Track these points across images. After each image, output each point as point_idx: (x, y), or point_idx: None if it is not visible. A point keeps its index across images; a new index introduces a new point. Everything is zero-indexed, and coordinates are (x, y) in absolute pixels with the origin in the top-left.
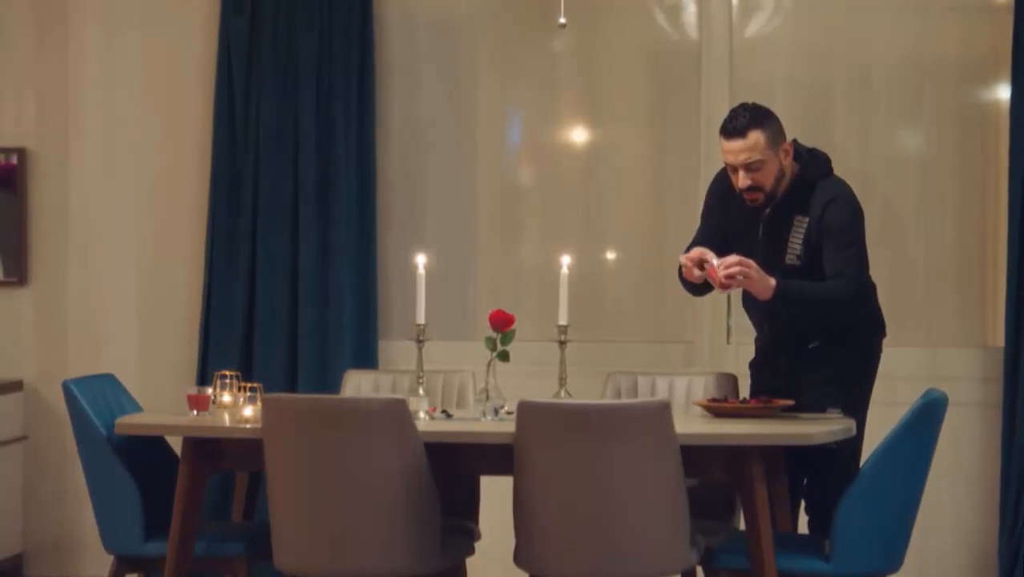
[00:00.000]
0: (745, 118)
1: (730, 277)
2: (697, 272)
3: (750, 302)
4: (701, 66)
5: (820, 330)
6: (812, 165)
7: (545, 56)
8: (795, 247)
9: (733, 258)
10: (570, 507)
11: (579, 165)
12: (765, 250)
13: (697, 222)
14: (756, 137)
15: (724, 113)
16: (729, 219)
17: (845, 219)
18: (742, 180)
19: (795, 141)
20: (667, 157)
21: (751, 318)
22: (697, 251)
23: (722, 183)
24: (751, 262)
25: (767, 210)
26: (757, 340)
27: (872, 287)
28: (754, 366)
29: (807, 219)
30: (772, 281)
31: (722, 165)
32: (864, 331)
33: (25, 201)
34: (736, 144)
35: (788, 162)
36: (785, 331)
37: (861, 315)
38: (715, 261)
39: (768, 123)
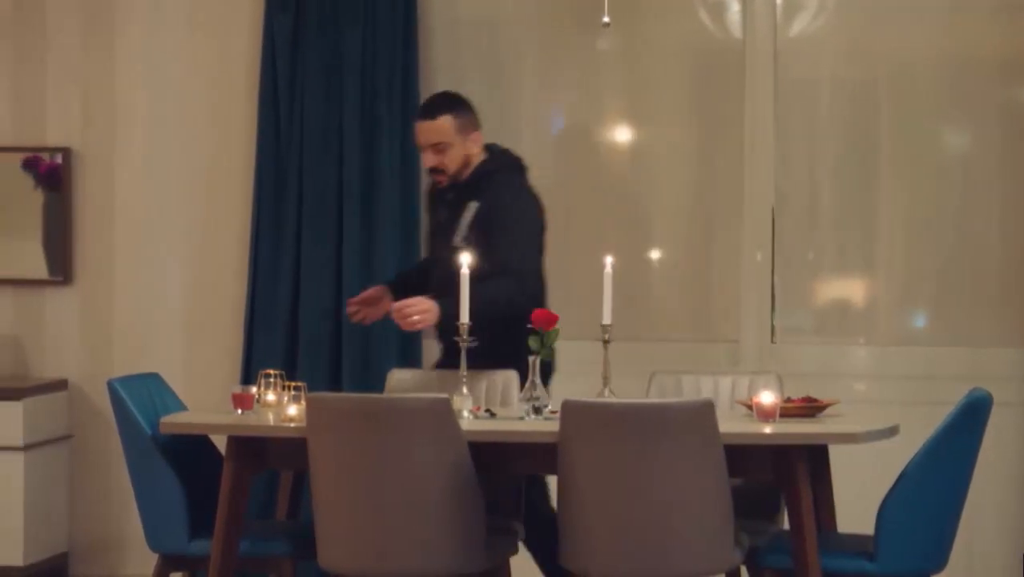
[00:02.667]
0: (438, 102)
1: (411, 324)
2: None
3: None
4: (745, 65)
5: (479, 330)
6: (499, 159)
7: (589, 55)
8: (463, 229)
9: (407, 308)
10: (614, 506)
11: (623, 164)
12: (444, 230)
13: (740, 219)
14: (445, 121)
15: (769, 112)
16: (433, 209)
17: (515, 213)
18: (428, 159)
19: (505, 148)
20: (711, 156)
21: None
22: (374, 291)
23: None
24: (413, 302)
25: (451, 193)
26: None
27: (543, 287)
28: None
29: (477, 205)
30: (435, 304)
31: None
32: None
33: (70, 201)
34: (425, 124)
35: (476, 151)
36: (447, 330)
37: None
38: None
39: (460, 111)
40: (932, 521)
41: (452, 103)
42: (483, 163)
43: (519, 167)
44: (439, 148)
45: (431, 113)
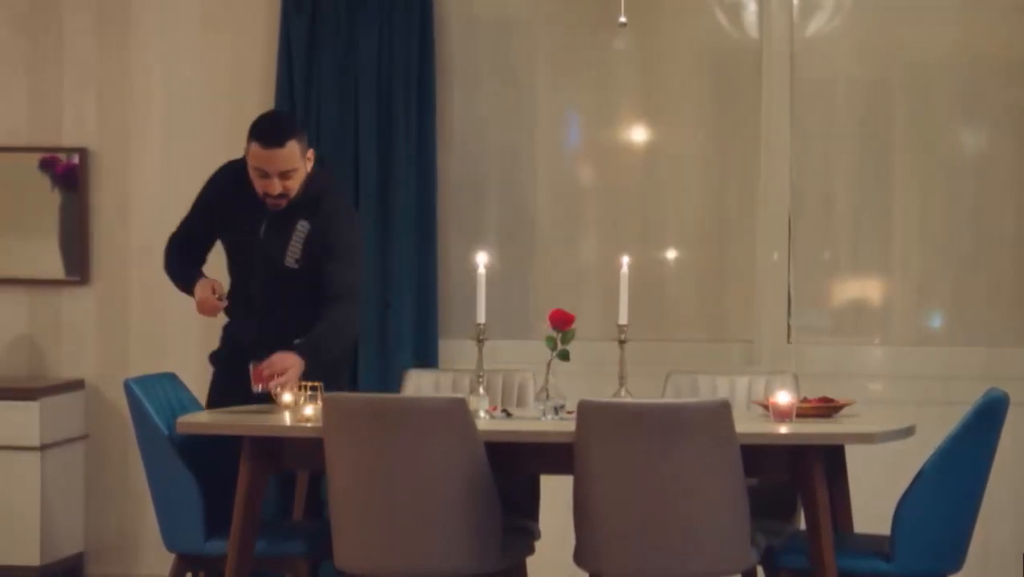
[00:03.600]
0: (282, 127)
1: (277, 384)
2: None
3: (241, 306)
4: (761, 65)
5: (305, 329)
6: (324, 177)
7: (605, 55)
8: (295, 251)
9: (279, 368)
10: (630, 506)
11: (639, 164)
12: (266, 249)
13: (756, 219)
14: (292, 147)
15: (785, 112)
16: (232, 213)
17: (350, 238)
18: (275, 187)
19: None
20: (727, 156)
21: (239, 316)
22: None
23: (229, 177)
24: (275, 363)
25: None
26: (233, 335)
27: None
28: (223, 361)
29: (310, 226)
30: (297, 358)
31: (243, 160)
32: None
33: (86, 201)
34: (275, 152)
35: (309, 168)
36: (274, 331)
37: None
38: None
39: (300, 132)
40: (948, 521)
41: (293, 126)
42: (311, 181)
43: (339, 183)
44: (287, 175)
45: (280, 140)
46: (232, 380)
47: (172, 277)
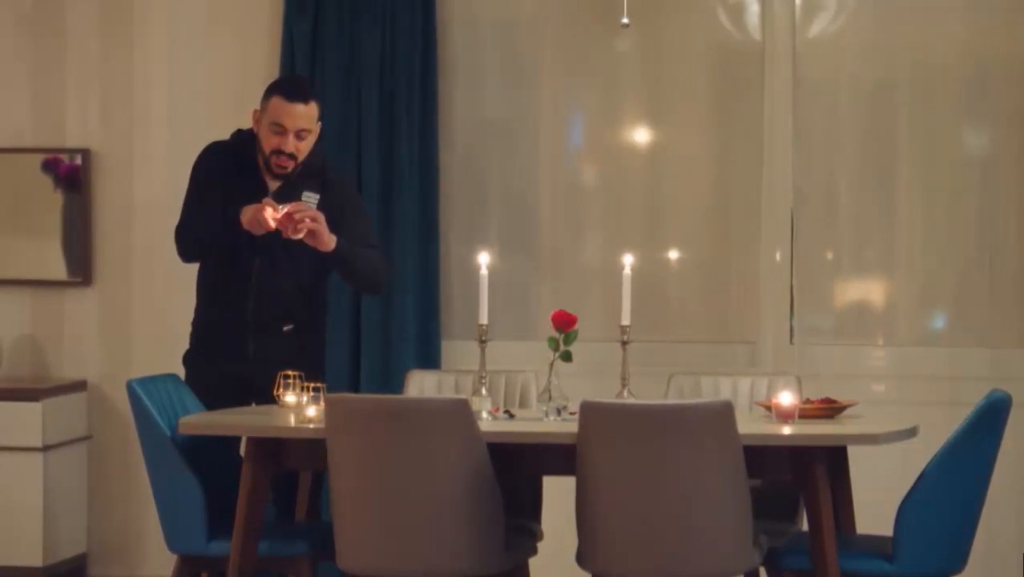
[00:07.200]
0: (308, 85)
1: (305, 227)
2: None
3: (259, 280)
4: (764, 66)
5: (295, 315)
6: (318, 148)
7: (608, 56)
8: None
9: (311, 210)
10: (633, 507)
11: (642, 165)
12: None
13: (759, 219)
14: (313, 107)
15: (788, 113)
16: (232, 192)
17: (360, 200)
18: (288, 144)
19: None
20: (730, 157)
21: (223, 300)
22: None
23: (219, 155)
24: (319, 215)
25: (277, 184)
26: (215, 324)
27: None
28: (204, 356)
29: (317, 196)
30: (334, 237)
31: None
32: (323, 317)
33: (89, 201)
34: (300, 108)
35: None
36: (270, 312)
37: (325, 302)
38: (279, 209)
39: (319, 99)
40: (951, 522)
41: (315, 87)
42: (314, 154)
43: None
44: (302, 135)
45: (305, 97)
46: (214, 369)
47: (202, 241)
